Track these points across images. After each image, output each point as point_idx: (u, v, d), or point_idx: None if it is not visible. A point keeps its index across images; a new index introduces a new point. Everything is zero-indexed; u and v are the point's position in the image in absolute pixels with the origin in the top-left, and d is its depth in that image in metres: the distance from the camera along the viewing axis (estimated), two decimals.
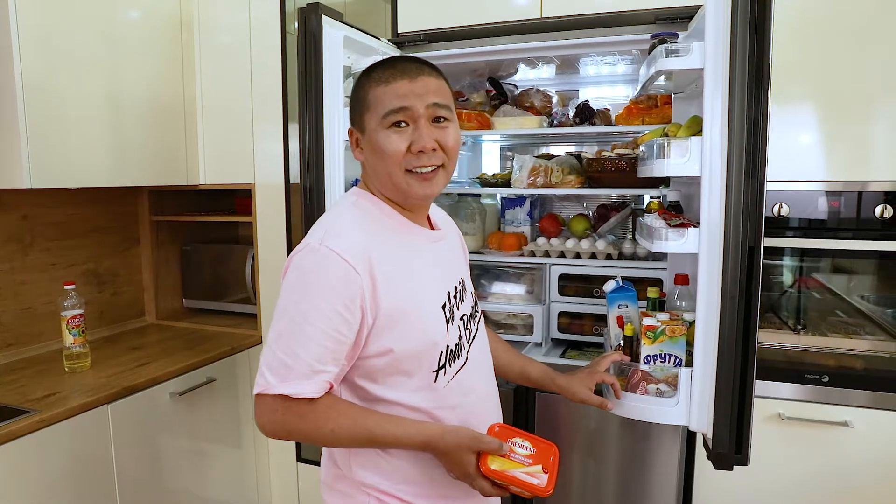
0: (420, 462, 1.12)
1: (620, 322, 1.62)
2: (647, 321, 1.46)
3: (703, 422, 1.37)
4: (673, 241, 1.39)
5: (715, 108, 1.29)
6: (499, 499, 1.23)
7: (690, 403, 1.38)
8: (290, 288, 1.04)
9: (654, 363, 1.47)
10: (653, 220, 1.49)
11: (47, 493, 1.68)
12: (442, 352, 1.10)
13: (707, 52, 1.30)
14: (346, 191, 1.45)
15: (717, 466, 1.33)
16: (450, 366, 1.12)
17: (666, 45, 1.38)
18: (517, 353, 1.47)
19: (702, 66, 1.32)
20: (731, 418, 1.31)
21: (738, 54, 1.24)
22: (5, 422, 1.61)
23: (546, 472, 1.08)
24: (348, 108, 1.17)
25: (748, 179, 1.27)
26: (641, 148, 1.69)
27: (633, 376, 1.46)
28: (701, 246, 1.33)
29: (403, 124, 1.06)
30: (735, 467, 1.33)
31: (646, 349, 1.47)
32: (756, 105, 1.26)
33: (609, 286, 1.70)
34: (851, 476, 1.76)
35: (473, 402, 1.17)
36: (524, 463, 1.08)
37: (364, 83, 1.11)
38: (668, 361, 1.47)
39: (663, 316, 1.47)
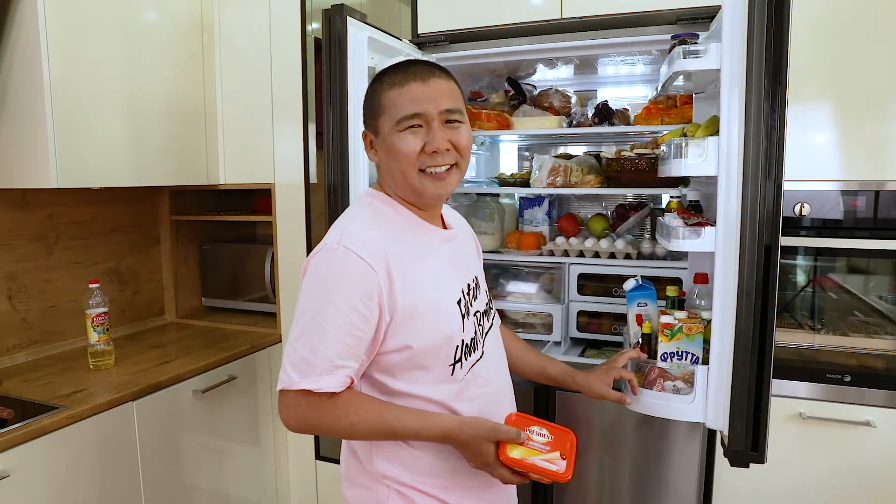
0: (441, 453, 1.16)
1: (639, 320, 1.65)
2: (664, 319, 1.50)
3: (718, 419, 1.40)
4: (689, 240, 1.43)
5: (732, 108, 1.32)
6: (515, 488, 1.29)
7: (707, 400, 1.41)
8: (309, 287, 1.09)
9: (672, 360, 1.50)
10: (670, 220, 1.52)
11: (75, 486, 1.73)
12: (458, 346, 1.14)
13: (724, 53, 1.33)
14: None
15: (734, 464, 1.36)
16: (466, 359, 1.16)
17: (684, 46, 1.41)
18: (537, 352, 1.51)
19: (718, 67, 1.35)
20: (748, 416, 1.34)
21: (755, 55, 1.26)
22: (36, 417, 1.66)
23: (564, 459, 1.11)
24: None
25: (765, 179, 1.29)
26: (662, 148, 1.71)
27: (650, 373, 1.50)
28: (717, 245, 1.36)
29: (417, 126, 1.11)
30: (757, 467, 1.35)
31: (663, 346, 1.51)
32: (773, 105, 1.28)
33: (629, 285, 1.73)
34: (873, 476, 1.78)
35: (490, 393, 1.22)
36: (542, 450, 1.12)
37: (376, 88, 1.16)
38: (686, 359, 1.50)
39: (681, 314, 1.51)
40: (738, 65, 1.29)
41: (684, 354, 1.49)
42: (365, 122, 1.20)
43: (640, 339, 1.59)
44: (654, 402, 1.46)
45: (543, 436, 1.14)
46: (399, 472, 1.16)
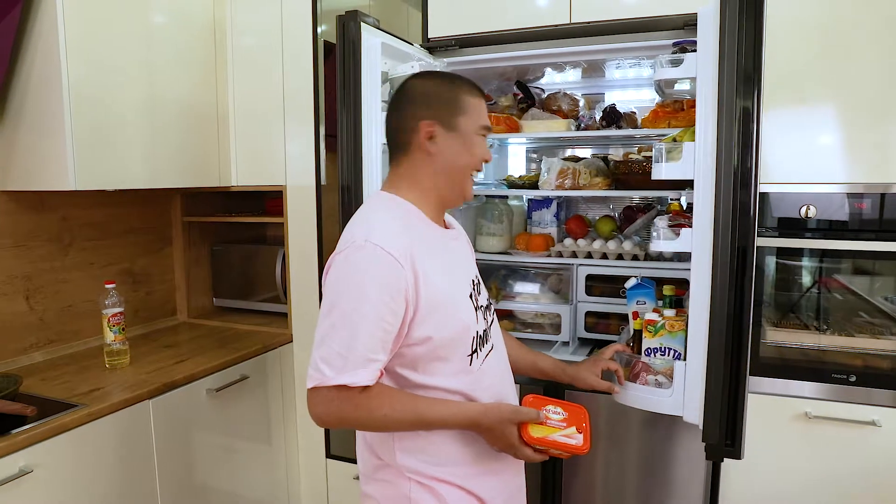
0: (460, 440, 1.27)
1: (635, 317, 1.74)
2: (648, 316, 1.63)
3: (694, 413, 1.50)
4: (668, 241, 1.55)
5: (707, 114, 1.42)
6: (523, 473, 1.41)
7: (684, 395, 1.51)
8: (338, 283, 1.16)
9: (655, 356, 1.62)
10: (657, 221, 1.61)
11: (95, 482, 1.84)
12: (473, 337, 1.27)
13: (699, 62, 1.44)
14: None
15: (709, 457, 1.49)
16: (480, 349, 1.29)
17: (671, 54, 1.47)
18: (528, 348, 1.63)
19: (695, 76, 1.46)
20: (723, 411, 1.43)
21: (727, 62, 1.36)
22: (57, 415, 1.73)
23: (581, 433, 1.24)
24: (426, 103, 1.26)
25: (737, 183, 1.37)
26: None
27: (635, 367, 1.63)
28: (694, 245, 1.46)
29: (484, 136, 1.30)
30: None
31: (646, 342, 1.63)
32: (747, 111, 1.33)
33: (629, 283, 1.86)
34: (879, 475, 1.82)
35: (501, 382, 1.35)
36: (560, 427, 1.24)
37: (454, 88, 1.28)
38: (668, 355, 1.61)
39: (669, 312, 1.64)
40: (710, 73, 1.39)
41: (667, 350, 1.61)
42: (428, 113, 1.24)
43: (632, 335, 1.71)
44: (637, 395, 1.58)
45: (559, 414, 1.26)
46: (421, 465, 1.24)
